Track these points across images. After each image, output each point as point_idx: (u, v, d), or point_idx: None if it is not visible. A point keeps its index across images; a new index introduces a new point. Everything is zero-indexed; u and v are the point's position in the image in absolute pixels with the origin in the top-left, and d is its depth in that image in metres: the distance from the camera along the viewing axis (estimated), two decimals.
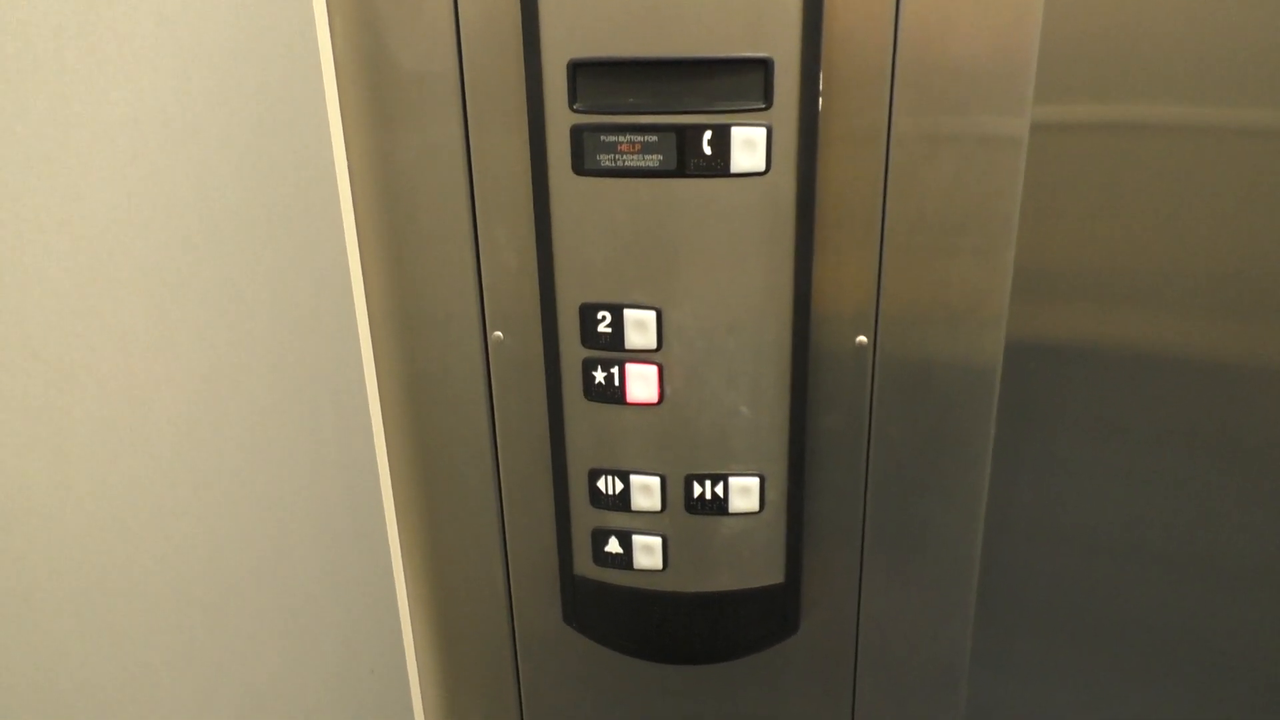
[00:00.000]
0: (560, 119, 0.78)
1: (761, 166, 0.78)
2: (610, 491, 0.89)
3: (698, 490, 0.88)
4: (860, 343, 0.85)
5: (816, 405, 0.87)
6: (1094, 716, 0.99)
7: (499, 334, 0.88)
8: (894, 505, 0.91)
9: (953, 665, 0.96)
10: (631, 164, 0.78)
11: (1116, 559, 0.93)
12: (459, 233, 0.86)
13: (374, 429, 0.93)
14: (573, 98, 0.77)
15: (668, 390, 0.85)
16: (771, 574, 0.92)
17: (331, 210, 0.84)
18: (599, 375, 0.85)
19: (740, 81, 0.76)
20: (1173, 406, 0.87)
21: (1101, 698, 0.98)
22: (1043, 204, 0.81)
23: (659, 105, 0.77)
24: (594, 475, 0.89)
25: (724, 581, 0.91)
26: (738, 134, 0.76)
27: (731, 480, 0.88)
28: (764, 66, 0.75)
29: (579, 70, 0.77)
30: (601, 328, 0.84)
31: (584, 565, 0.93)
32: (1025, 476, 0.91)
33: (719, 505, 0.88)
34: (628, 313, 0.83)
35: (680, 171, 0.78)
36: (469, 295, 0.88)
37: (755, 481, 0.88)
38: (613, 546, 0.91)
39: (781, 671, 0.97)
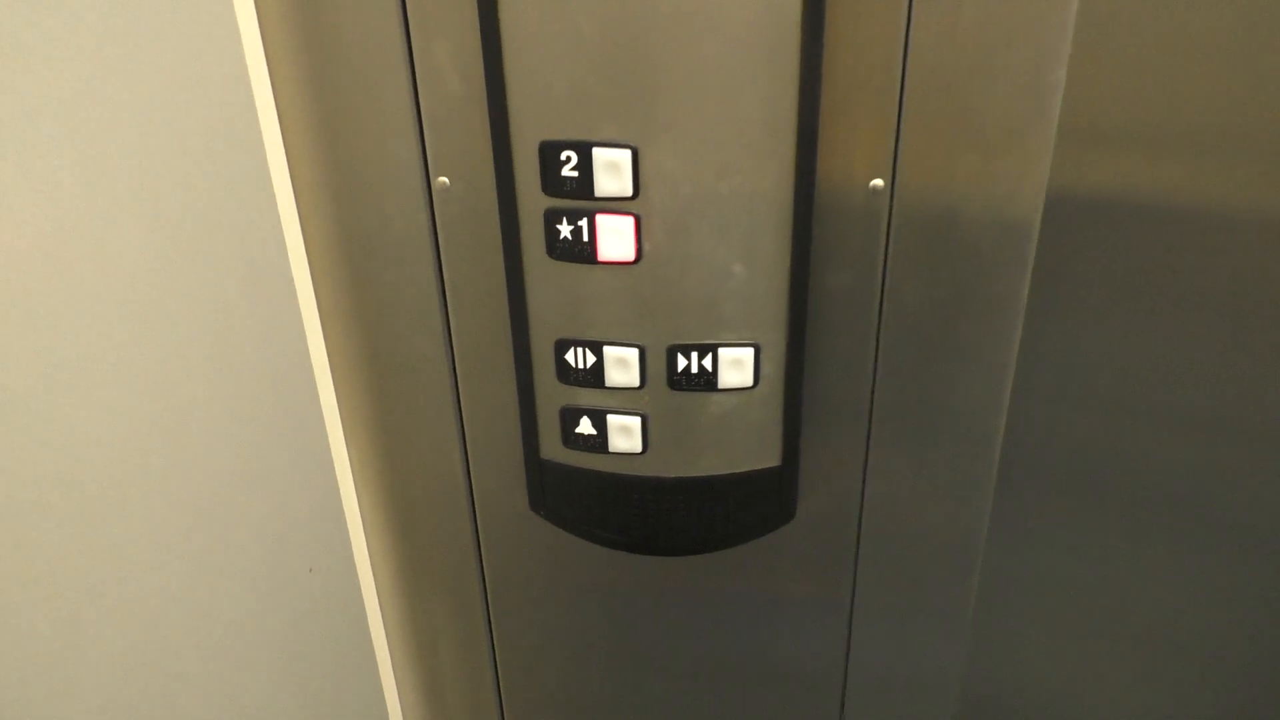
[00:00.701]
0: None
1: None
2: (581, 365, 0.77)
3: (682, 363, 0.76)
4: (875, 187, 0.71)
5: (822, 262, 0.74)
6: (1112, 588, 0.90)
7: (444, 179, 0.74)
8: (908, 377, 0.79)
9: (966, 549, 0.86)
10: None
11: (1143, 421, 0.83)
12: (390, 52, 0.70)
13: (300, 295, 0.80)
14: None
15: (646, 246, 0.72)
16: (766, 456, 0.81)
17: (227, 20, 0.69)
18: (564, 229, 0.72)
19: None
20: (1215, 265, 0.75)
21: (1122, 568, 0.89)
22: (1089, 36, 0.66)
23: None
24: (561, 347, 0.77)
25: (712, 465, 0.80)
26: None
27: (722, 351, 0.75)
28: None
29: None
30: (566, 171, 0.70)
31: (552, 448, 0.82)
32: (1050, 333, 0.79)
33: (707, 380, 0.76)
34: (597, 152, 0.69)
35: None
36: (406, 131, 0.73)
37: (749, 353, 0.75)
38: (585, 427, 0.79)
39: (775, 560, 0.87)
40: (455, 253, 0.77)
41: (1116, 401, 0.82)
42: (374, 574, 0.92)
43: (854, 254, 0.74)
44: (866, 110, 0.69)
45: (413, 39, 0.69)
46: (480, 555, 0.90)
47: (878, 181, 0.71)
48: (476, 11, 0.66)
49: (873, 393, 0.80)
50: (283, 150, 0.75)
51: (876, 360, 0.78)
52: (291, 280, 0.78)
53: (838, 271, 0.75)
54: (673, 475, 0.81)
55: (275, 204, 0.75)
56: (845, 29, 0.66)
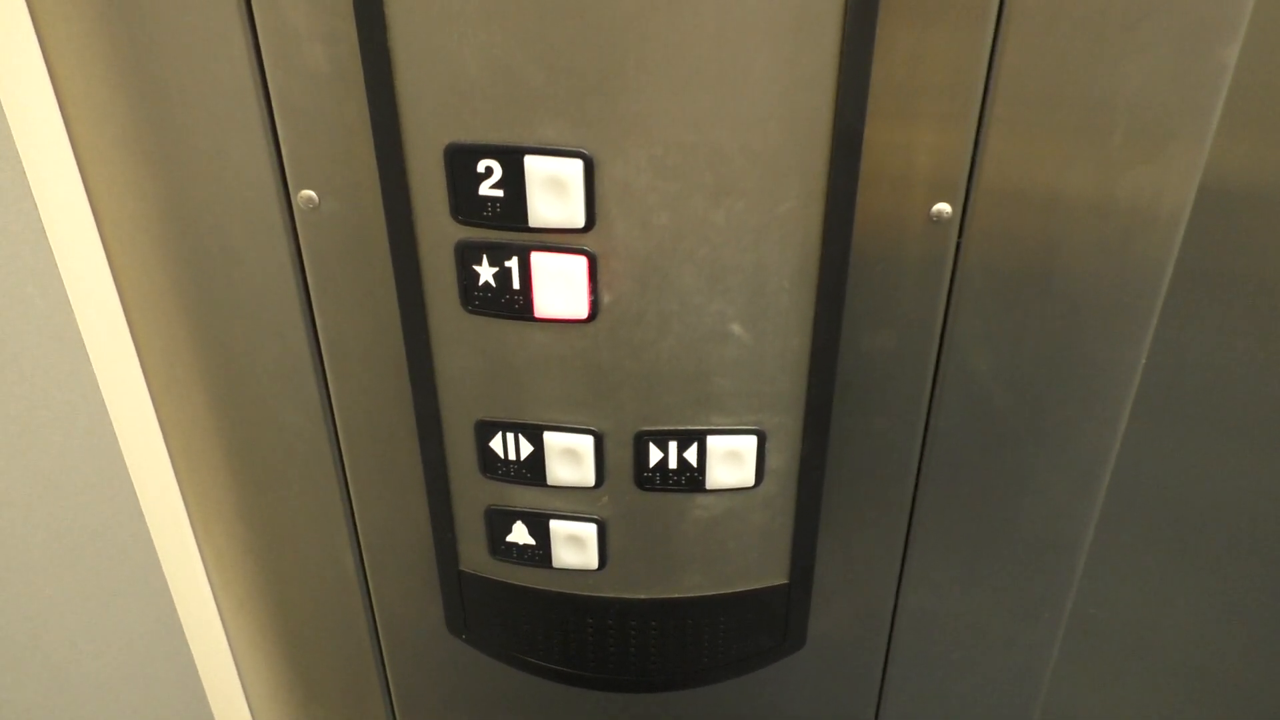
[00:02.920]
0: None
1: None
2: (512, 456, 0.54)
3: (656, 455, 0.53)
4: (939, 214, 0.49)
5: (858, 318, 0.52)
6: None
7: (310, 194, 0.51)
8: (967, 469, 0.57)
9: (1030, 679, 0.66)
10: None
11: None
12: (219, 9, 0.46)
13: (98, 340, 0.56)
14: None
15: (606, 297, 0.49)
16: (770, 572, 0.59)
17: None
18: (484, 271, 0.49)
19: None
20: None
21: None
22: None
23: None
24: (485, 430, 0.54)
25: (696, 584, 0.59)
26: None
27: (712, 441, 0.53)
28: None
29: None
30: (486, 188, 0.47)
31: (475, 559, 0.60)
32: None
33: (691, 478, 0.54)
34: (532, 162, 0.46)
35: None
36: (250, 126, 0.49)
37: (750, 442, 0.53)
38: (519, 535, 0.57)
39: (775, 696, 0.66)
40: (331, 296, 0.53)
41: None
42: (248, 701, 0.69)
43: (903, 307, 0.52)
44: (932, 104, 0.46)
45: None
46: (387, 686, 0.68)
47: (943, 206, 0.49)
48: None
49: (916, 488, 0.58)
50: (69, 150, 0.51)
51: (924, 447, 0.57)
52: (76, 325, 0.54)
53: (878, 330, 0.52)
54: (642, 596, 0.59)
55: (47, 246, 0.50)
56: (890, 150, 0.44)
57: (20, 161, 0.49)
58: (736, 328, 0.50)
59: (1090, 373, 0.53)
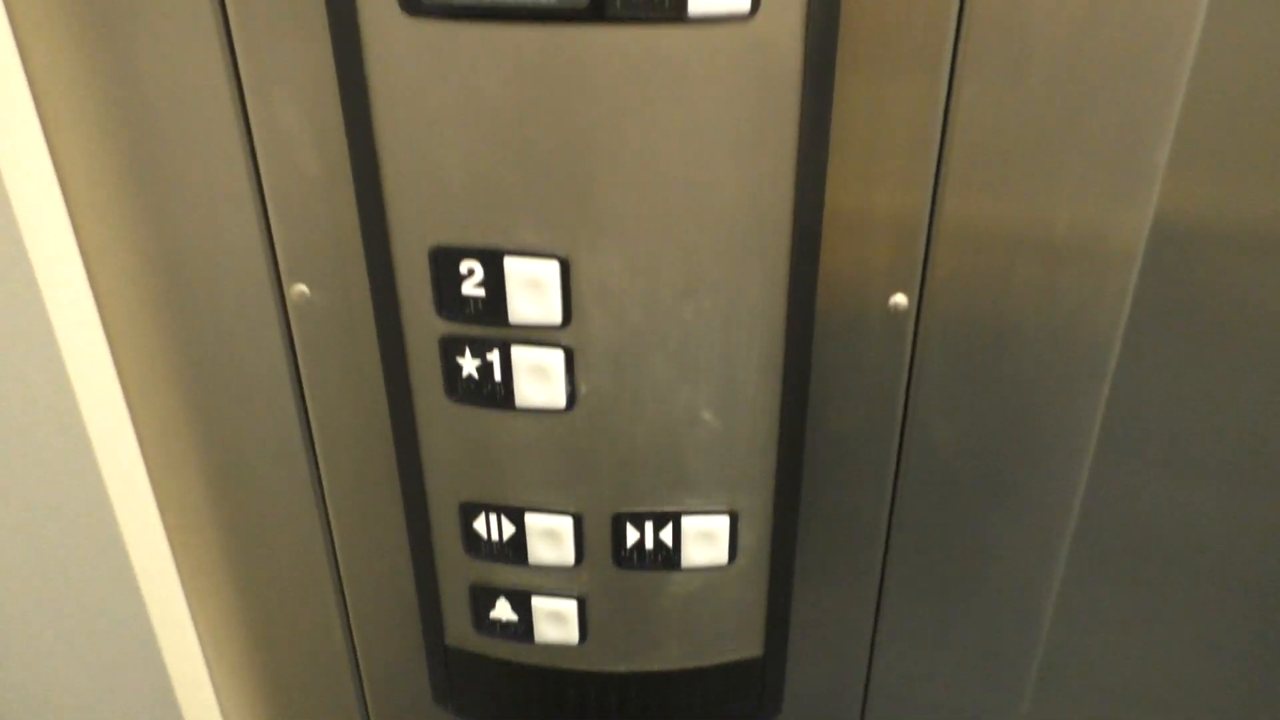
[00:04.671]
0: None
1: (744, 4, 0.42)
2: (495, 536, 0.57)
3: (633, 536, 0.56)
4: (897, 305, 0.52)
5: (823, 401, 0.54)
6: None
7: (303, 288, 0.53)
8: (933, 536, 0.60)
9: None
10: None
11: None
12: (217, 114, 0.49)
13: (98, 423, 0.58)
14: None
15: (582, 388, 0.52)
16: (745, 644, 0.61)
17: None
18: (467, 364, 0.51)
19: None
20: None
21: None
22: None
23: None
24: (469, 512, 0.56)
25: (672, 657, 0.60)
26: None
27: (686, 521, 0.55)
28: None
29: None
30: (469, 287, 0.50)
31: (460, 633, 0.61)
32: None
33: (666, 557, 0.56)
34: (512, 264, 0.49)
35: (597, 12, 0.42)
36: (247, 224, 0.52)
37: (723, 522, 0.56)
38: (502, 611, 0.59)
39: None
40: (322, 384, 0.56)
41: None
42: None
43: (867, 388, 0.54)
44: (887, 204, 0.50)
45: (245, 91, 0.48)
46: None
47: (900, 298, 0.52)
48: (331, 58, 0.46)
49: (885, 556, 0.60)
50: (74, 241, 0.54)
51: (891, 517, 0.59)
52: (77, 406, 0.57)
53: (844, 411, 0.55)
54: (621, 669, 0.61)
55: (55, 342, 0.53)
56: (860, 94, 0.47)
57: (29, 261, 0.51)
58: (707, 414, 0.53)
59: (1047, 438, 0.56)
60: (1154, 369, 0.57)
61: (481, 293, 0.49)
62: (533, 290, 0.49)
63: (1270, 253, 0.53)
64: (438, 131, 0.46)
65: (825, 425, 0.55)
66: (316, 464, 0.59)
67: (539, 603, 0.58)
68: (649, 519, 0.55)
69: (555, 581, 0.58)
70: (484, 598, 0.59)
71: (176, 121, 0.50)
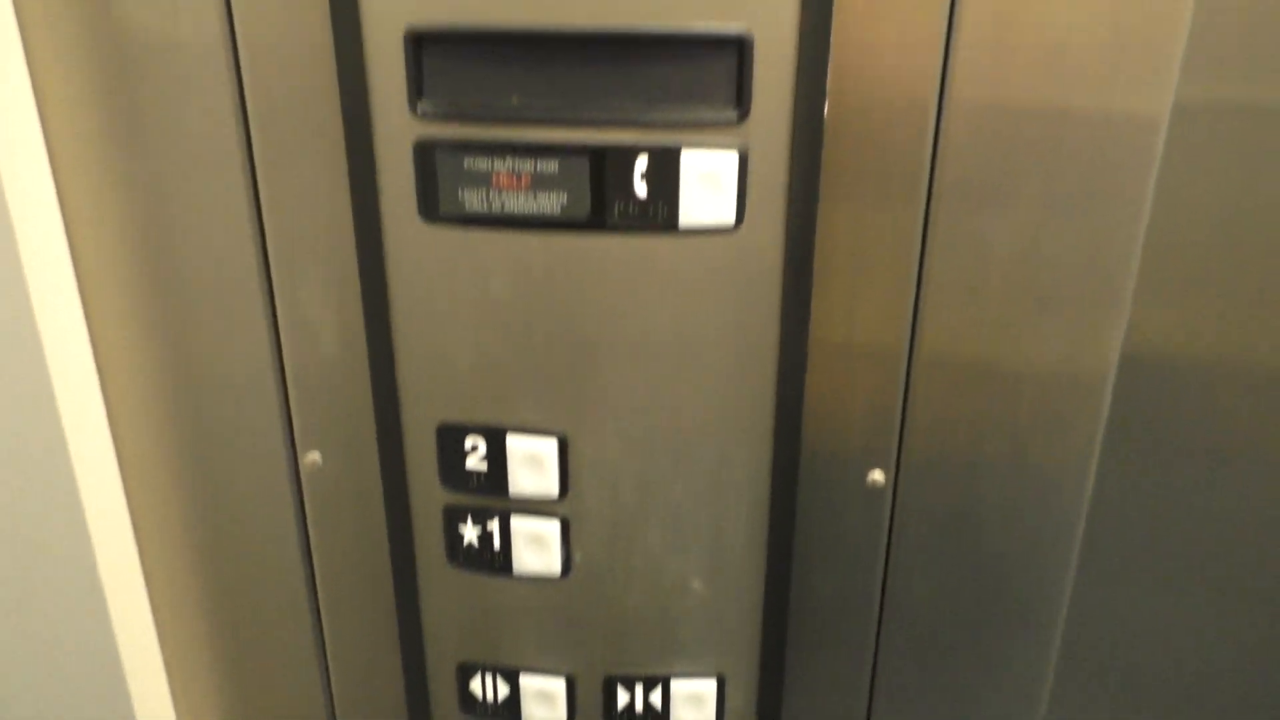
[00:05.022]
0: (396, 130, 0.47)
1: (729, 217, 0.47)
2: (490, 697, 0.58)
3: (624, 698, 0.58)
4: (874, 482, 0.55)
5: (805, 567, 0.57)
6: None
7: (315, 456, 0.57)
8: (913, 697, 0.61)
9: None
10: (517, 208, 0.47)
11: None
12: (247, 302, 0.54)
13: (122, 606, 0.60)
14: (416, 93, 0.46)
15: (577, 556, 0.55)
16: None
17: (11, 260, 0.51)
18: (469, 532, 0.54)
19: (696, 75, 0.45)
20: None
21: None
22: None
23: (561, 111, 0.45)
24: (465, 672, 0.58)
25: None
26: (692, 162, 0.46)
27: (676, 684, 0.57)
28: (736, 50, 0.44)
29: (425, 46, 0.45)
30: (472, 462, 0.53)
31: None
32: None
33: (656, 719, 0.58)
34: (514, 441, 0.52)
35: (597, 222, 0.47)
36: (267, 395, 0.56)
37: (711, 685, 0.58)
38: None
39: None
40: (330, 548, 0.59)
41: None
42: None
43: (847, 559, 0.57)
44: (863, 387, 0.53)
45: (275, 288, 0.53)
46: None
47: (877, 474, 0.55)
48: (355, 254, 0.50)
49: (869, 716, 0.62)
50: (102, 405, 0.57)
51: (874, 674, 0.61)
52: (93, 554, 0.59)
53: (826, 579, 0.58)
54: None
55: (77, 495, 0.56)
56: (837, 289, 0.51)
57: (64, 437, 0.55)
58: (696, 583, 0.55)
59: (1023, 597, 0.58)
60: (1130, 494, 0.60)
61: (484, 466, 0.53)
62: (532, 465, 0.52)
63: (1239, 380, 0.56)
64: (449, 322, 0.50)
65: (808, 592, 0.58)
66: (320, 622, 0.61)
67: None
68: (639, 682, 0.57)
69: None
70: None
71: (208, 304, 0.54)
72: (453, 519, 0.54)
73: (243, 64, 0.48)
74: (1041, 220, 0.49)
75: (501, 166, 0.46)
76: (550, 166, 0.46)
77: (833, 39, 0.44)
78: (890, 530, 0.57)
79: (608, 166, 0.46)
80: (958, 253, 0.50)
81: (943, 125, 0.47)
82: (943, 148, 0.48)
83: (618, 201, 0.46)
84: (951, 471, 0.55)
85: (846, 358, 0.52)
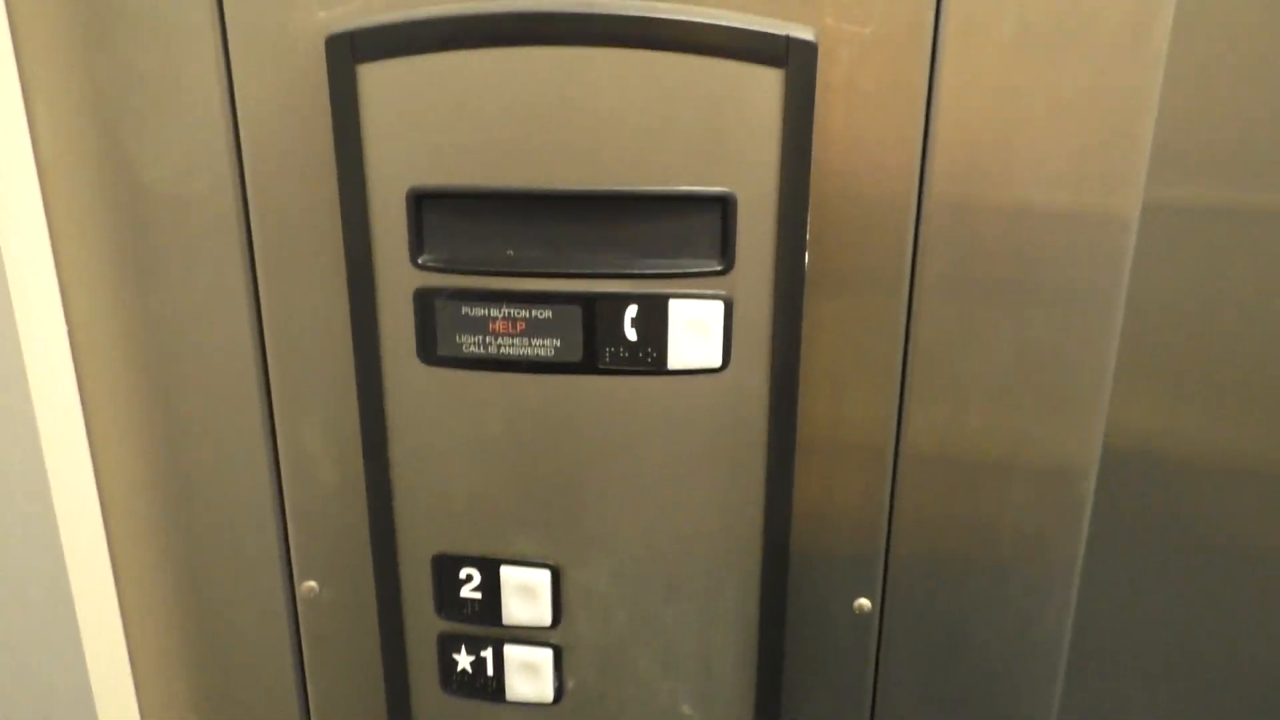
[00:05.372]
0: (398, 280, 0.49)
1: (716, 359, 0.49)
2: None
3: None
4: (861, 608, 0.56)
5: (796, 699, 0.58)
6: None
7: (312, 584, 0.58)
8: None
9: None
10: (512, 352, 0.49)
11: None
12: (249, 434, 0.55)
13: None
14: (417, 248, 0.48)
15: (570, 683, 0.55)
16: None
17: (23, 406, 0.53)
18: (462, 659, 0.55)
19: (684, 230, 0.48)
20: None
21: None
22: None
23: (554, 263, 0.48)
24: None
25: None
26: (680, 311, 0.48)
27: None
28: (721, 207, 0.47)
29: (425, 205, 0.48)
30: (466, 591, 0.54)
31: None
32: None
33: None
34: (507, 572, 0.53)
35: (589, 365, 0.49)
36: (265, 525, 0.57)
37: None
38: None
39: None
40: (325, 674, 0.59)
41: None
42: None
43: (835, 683, 0.58)
44: (849, 516, 0.55)
45: (277, 423, 0.55)
46: None
47: (864, 601, 0.56)
48: (355, 392, 0.52)
49: None
50: (103, 534, 0.59)
51: None
52: (89, 690, 0.60)
53: (815, 703, 0.59)
54: None
55: (76, 631, 0.57)
56: (821, 423, 0.53)
57: (59, 544, 0.56)
58: (687, 709, 0.56)
59: (1012, 703, 0.59)
60: (1116, 589, 0.60)
61: (479, 595, 0.54)
62: (526, 595, 0.54)
63: (1220, 473, 0.58)
64: (446, 458, 0.52)
65: (798, 713, 0.59)
66: None
67: None
68: None
69: None
70: None
71: (211, 434, 0.56)
72: (447, 647, 0.55)
73: (252, 218, 0.50)
74: (1020, 318, 0.51)
75: (497, 314, 0.48)
76: (544, 314, 0.48)
77: (817, 140, 0.46)
78: (878, 655, 0.58)
79: (599, 314, 0.48)
80: (939, 352, 0.52)
81: (922, 227, 0.49)
82: (923, 248, 0.50)
83: (609, 346, 0.49)
84: (937, 591, 0.57)
85: (832, 486, 0.54)
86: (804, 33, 0.45)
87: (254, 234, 0.51)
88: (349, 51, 0.45)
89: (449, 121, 0.46)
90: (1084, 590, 0.59)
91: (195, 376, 0.54)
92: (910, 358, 0.52)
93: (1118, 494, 0.58)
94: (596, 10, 0.44)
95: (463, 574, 0.54)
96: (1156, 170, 0.50)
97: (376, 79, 0.45)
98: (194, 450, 0.56)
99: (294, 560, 0.58)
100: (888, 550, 0.56)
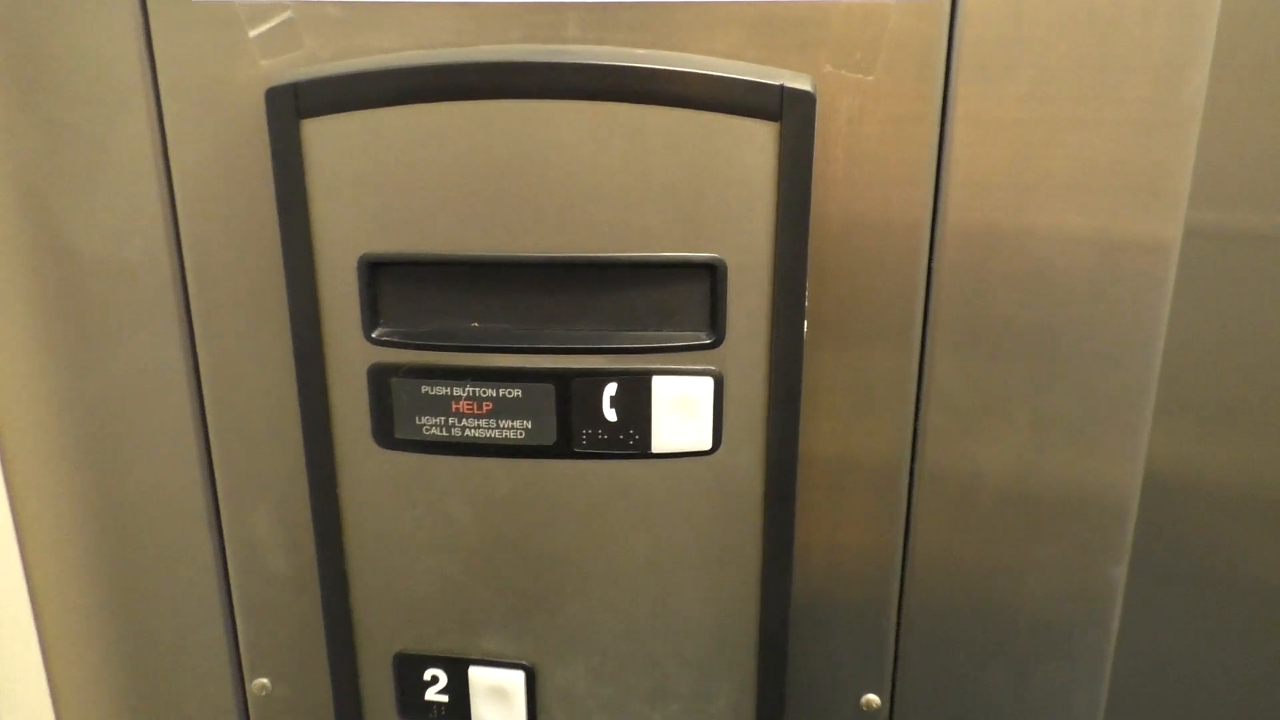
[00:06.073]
0: (350, 356, 0.44)
1: (705, 441, 0.44)
2: None
3: None
4: (869, 704, 0.51)
5: None
6: None
7: (264, 681, 0.53)
8: None
9: None
10: (478, 435, 0.44)
11: None
12: (192, 523, 0.50)
13: None
14: (371, 320, 0.43)
15: None
16: None
17: None
18: None
19: (668, 300, 0.43)
20: None
21: None
22: None
23: (524, 337, 0.43)
24: None
25: None
26: (665, 388, 0.43)
27: None
28: (709, 274, 0.42)
29: (379, 274, 0.43)
30: (432, 693, 0.49)
31: None
32: None
33: None
34: (477, 673, 0.48)
35: (564, 449, 0.44)
36: (213, 619, 0.52)
37: None
38: None
39: None
40: None
41: None
42: None
43: None
44: (855, 604, 0.50)
45: (222, 503, 0.50)
46: None
47: (872, 697, 0.51)
48: (306, 481, 0.47)
49: None
50: (35, 633, 0.53)
51: None
52: None
53: None
54: None
55: None
56: (820, 504, 0.48)
57: None
58: None
59: None
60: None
61: (445, 699, 0.49)
62: (498, 698, 0.48)
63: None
64: (406, 547, 0.47)
65: None
66: None
67: None
68: None
69: None
70: None
71: (152, 522, 0.51)
72: None
73: (191, 287, 0.45)
74: (1045, 375, 0.46)
75: (461, 393, 0.43)
76: (513, 393, 0.43)
77: (816, 193, 0.42)
78: None
79: (574, 393, 0.43)
80: (954, 418, 0.47)
81: (935, 275, 0.44)
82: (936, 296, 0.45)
83: (586, 428, 0.44)
84: (953, 685, 0.52)
85: (833, 574, 0.49)
86: (800, 82, 0.40)
87: (193, 304, 0.46)
88: (292, 105, 0.40)
89: (405, 182, 0.41)
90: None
91: (133, 459, 0.49)
92: (921, 423, 0.47)
93: (1154, 532, 0.53)
94: (567, 60, 0.39)
95: (427, 674, 0.49)
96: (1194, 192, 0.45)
97: (324, 136, 0.41)
98: (134, 539, 0.51)
99: (244, 656, 0.52)
100: (898, 640, 0.51)
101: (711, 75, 0.40)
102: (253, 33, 0.41)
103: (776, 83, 0.40)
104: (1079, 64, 0.41)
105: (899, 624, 0.50)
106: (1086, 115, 0.42)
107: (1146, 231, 0.44)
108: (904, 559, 0.49)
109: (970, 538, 0.48)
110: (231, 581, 0.51)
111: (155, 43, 0.42)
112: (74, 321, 0.47)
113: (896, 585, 0.49)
